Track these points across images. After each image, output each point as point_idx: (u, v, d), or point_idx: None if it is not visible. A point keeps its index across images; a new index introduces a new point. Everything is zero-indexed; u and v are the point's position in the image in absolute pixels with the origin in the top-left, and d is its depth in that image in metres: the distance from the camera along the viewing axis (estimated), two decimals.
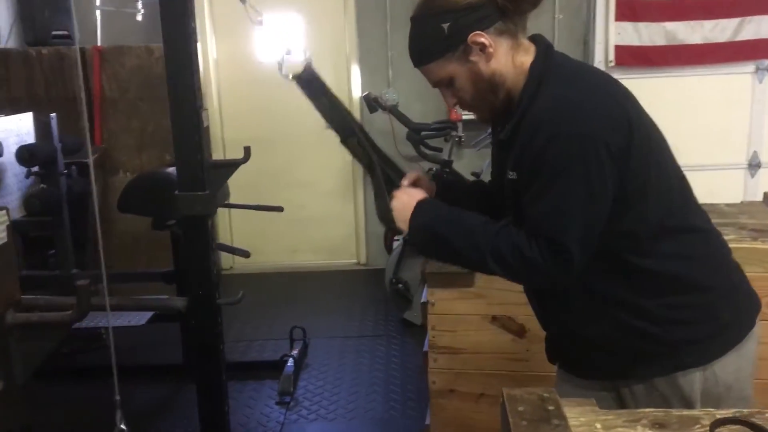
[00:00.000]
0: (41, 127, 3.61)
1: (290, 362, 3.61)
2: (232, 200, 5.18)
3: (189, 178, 2.20)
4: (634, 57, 4.80)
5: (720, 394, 1.53)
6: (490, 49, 1.45)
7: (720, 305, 1.53)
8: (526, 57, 1.49)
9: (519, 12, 1.47)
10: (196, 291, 2.29)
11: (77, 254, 3.82)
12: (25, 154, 3.29)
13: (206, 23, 5.15)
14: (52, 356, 3.83)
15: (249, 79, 5.26)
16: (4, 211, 1.04)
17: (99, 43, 4.59)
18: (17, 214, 3.55)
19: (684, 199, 1.55)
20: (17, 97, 4.41)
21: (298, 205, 5.32)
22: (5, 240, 1.03)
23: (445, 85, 1.52)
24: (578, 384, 1.63)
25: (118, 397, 1.77)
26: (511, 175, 1.50)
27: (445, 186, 1.76)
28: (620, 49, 4.80)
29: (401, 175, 1.70)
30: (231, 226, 5.41)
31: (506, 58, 1.47)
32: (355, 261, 5.44)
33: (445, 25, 1.43)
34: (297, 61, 1.66)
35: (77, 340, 3.95)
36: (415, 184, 1.68)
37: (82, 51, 4.41)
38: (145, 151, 4.47)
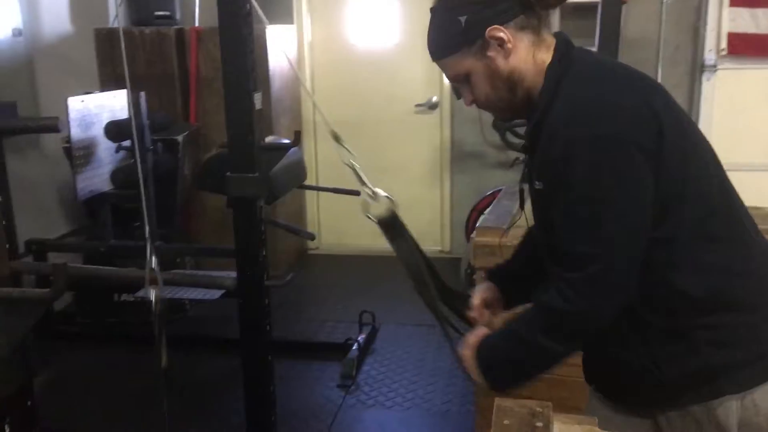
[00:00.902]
0: (134, 104, 3.78)
1: (355, 346, 3.62)
2: (319, 182, 5.31)
3: (240, 159, 2.23)
4: (749, 45, 4.42)
5: (760, 425, 1.38)
6: (509, 45, 1.35)
7: (764, 327, 1.37)
8: (548, 54, 1.38)
9: (543, 6, 1.36)
10: (244, 271, 2.32)
11: (163, 227, 4.01)
12: (112, 129, 3.47)
13: (303, 6, 5.22)
14: (139, 324, 4.10)
15: (342, 62, 5.29)
16: None
17: (197, 24, 4.75)
18: (107, 186, 3.77)
19: (727, 204, 1.39)
20: (121, 74, 4.65)
21: (385, 189, 5.28)
22: None
23: (462, 80, 1.43)
24: (612, 406, 1.52)
25: (164, 363, 1.74)
26: (538, 185, 1.40)
27: (503, 279, 1.72)
28: (734, 37, 4.43)
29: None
30: (318, 207, 5.48)
31: (527, 54, 1.37)
32: (438, 248, 5.38)
33: (462, 18, 1.35)
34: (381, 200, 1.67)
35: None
36: (484, 302, 1.68)
37: (181, 31, 4.59)
38: None
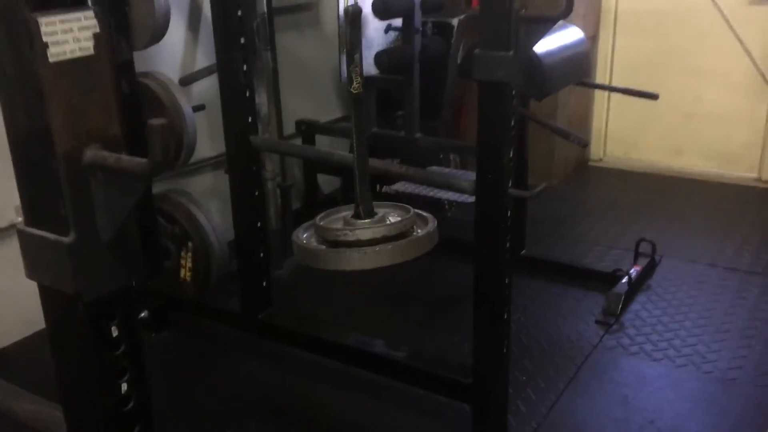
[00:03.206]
0: None
1: (625, 279, 3.04)
2: (611, 82, 4.56)
3: (491, 32, 1.77)
4: None
5: None
6: None
7: None
8: None
9: None
10: (484, 174, 1.91)
11: (428, 120, 3.73)
12: (379, 6, 3.20)
13: None
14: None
15: None
16: (91, 13, 0.78)
17: None
18: (372, 70, 3.56)
19: None
20: None
21: (693, 98, 4.40)
22: (91, 52, 0.77)
23: None
24: None
25: None
26: None
27: None
28: None
29: None
30: (608, 113, 4.75)
31: None
32: (754, 176, 4.36)
33: None
34: None
35: (421, 207, 3.95)
36: None
37: None
38: None
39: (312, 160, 3.59)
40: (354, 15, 1.32)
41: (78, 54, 0.82)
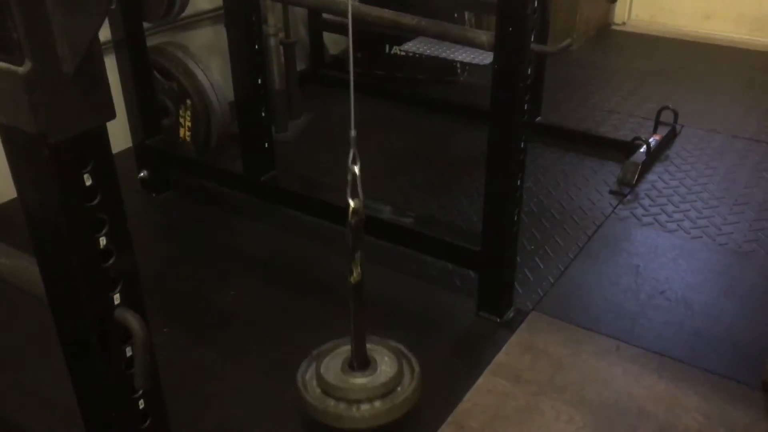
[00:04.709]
0: None
1: (643, 149, 2.91)
2: None
3: None
4: None
5: None
6: None
7: None
8: None
9: None
10: (507, 25, 1.73)
11: None
12: None
13: None
14: (403, 80, 3.77)
15: None
16: None
17: None
18: None
19: None
20: None
21: None
22: None
23: None
24: None
25: (353, 133, 1.45)
26: None
27: None
28: None
29: None
30: None
31: None
32: None
33: None
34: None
35: (432, 69, 3.76)
36: None
37: None
38: None
39: (318, 8, 3.35)
40: (357, 224, 1.48)
41: None
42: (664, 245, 2.49)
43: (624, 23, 4.53)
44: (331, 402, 1.63)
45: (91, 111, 0.79)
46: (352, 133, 1.46)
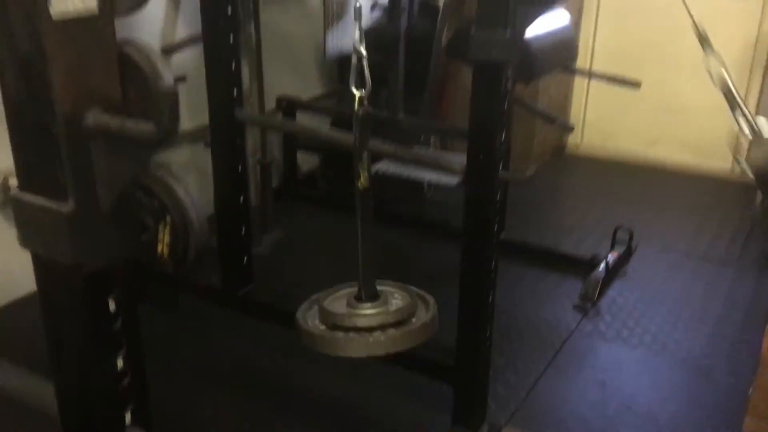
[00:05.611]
0: None
1: (602, 265, 3.06)
2: (591, 69, 4.57)
3: (488, 11, 1.74)
4: None
5: None
6: None
7: None
8: None
9: None
10: (476, 155, 1.89)
11: (411, 100, 3.69)
12: None
13: None
14: (378, 202, 3.92)
15: None
16: None
17: None
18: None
19: None
20: None
21: (671, 89, 4.43)
22: (94, 10, 0.73)
23: None
24: None
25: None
26: None
27: None
28: None
29: None
30: (587, 99, 4.77)
31: None
32: (729, 167, 4.43)
33: None
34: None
35: (399, 189, 3.93)
36: None
37: None
38: None
39: (298, 135, 3.54)
40: (365, 116, 1.31)
41: (82, 11, 0.77)
42: (627, 360, 2.59)
43: (578, 146, 4.83)
44: (340, 333, 1.40)
45: (121, 243, 0.87)
46: (357, 3, 1.30)
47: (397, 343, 1.39)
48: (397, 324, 1.42)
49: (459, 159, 2.09)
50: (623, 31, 4.50)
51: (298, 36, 3.89)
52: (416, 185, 3.92)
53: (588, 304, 2.93)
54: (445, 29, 3.70)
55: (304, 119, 3.81)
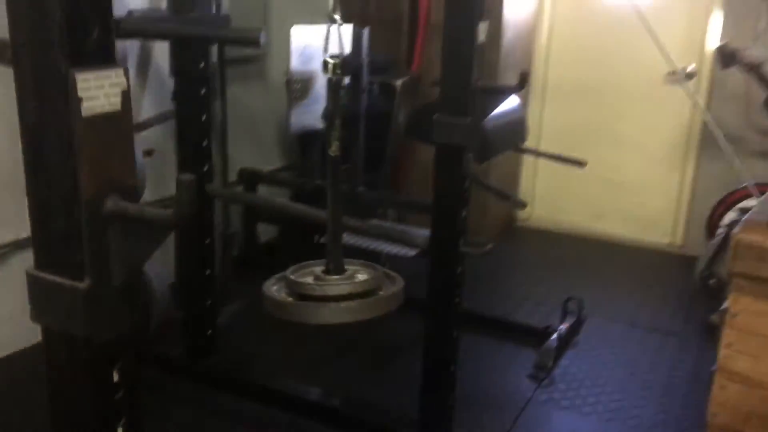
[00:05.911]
0: (356, 41, 3.60)
1: (555, 335, 3.19)
2: (541, 149, 4.82)
3: (450, 100, 1.90)
4: None
5: None
6: None
7: None
8: None
9: None
10: (439, 230, 2.01)
11: (370, 174, 3.84)
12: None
13: None
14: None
15: (585, 17, 4.70)
16: (120, 71, 0.83)
17: None
18: (319, 124, 3.65)
19: None
20: (353, 14, 4.52)
21: (613, 166, 4.71)
22: (117, 108, 0.82)
23: None
24: None
25: None
26: None
27: None
28: None
29: None
30: (535, 176, 5.01)
31: None
32: (668, 241, 4.68)
33: None
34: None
35: (358, 258, 4.01)
36: None
37: None
38: None
39: (266, 209, 3.62)
40: (336, 84, 1.43)
41: (107, 109, 0.86)
42: (581, 428, 2.68)
43: (527, 219, 5.03)
44: (311, 302, 1.41)
45: (128, 315, 0.94)
46: None
47: (365, 310, 1.44)
48: (365, 294, 1.47)
49: (421, 233, 2.21)
50: (568, 111, 4.79)
51: (260, 111, 4.02)
52: (374, 255, 4.02)
53: (543, 373, 3.03)
54: (402, 109, 3.91)
55: (263, 191, 3.91)
